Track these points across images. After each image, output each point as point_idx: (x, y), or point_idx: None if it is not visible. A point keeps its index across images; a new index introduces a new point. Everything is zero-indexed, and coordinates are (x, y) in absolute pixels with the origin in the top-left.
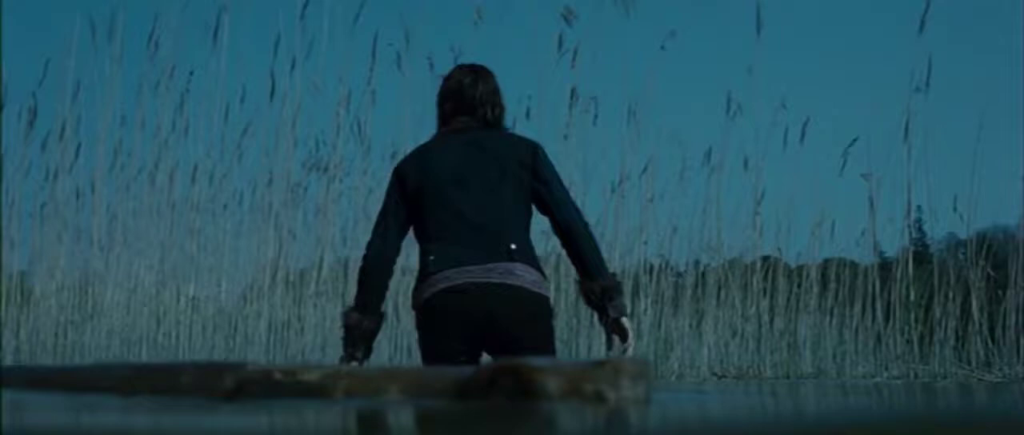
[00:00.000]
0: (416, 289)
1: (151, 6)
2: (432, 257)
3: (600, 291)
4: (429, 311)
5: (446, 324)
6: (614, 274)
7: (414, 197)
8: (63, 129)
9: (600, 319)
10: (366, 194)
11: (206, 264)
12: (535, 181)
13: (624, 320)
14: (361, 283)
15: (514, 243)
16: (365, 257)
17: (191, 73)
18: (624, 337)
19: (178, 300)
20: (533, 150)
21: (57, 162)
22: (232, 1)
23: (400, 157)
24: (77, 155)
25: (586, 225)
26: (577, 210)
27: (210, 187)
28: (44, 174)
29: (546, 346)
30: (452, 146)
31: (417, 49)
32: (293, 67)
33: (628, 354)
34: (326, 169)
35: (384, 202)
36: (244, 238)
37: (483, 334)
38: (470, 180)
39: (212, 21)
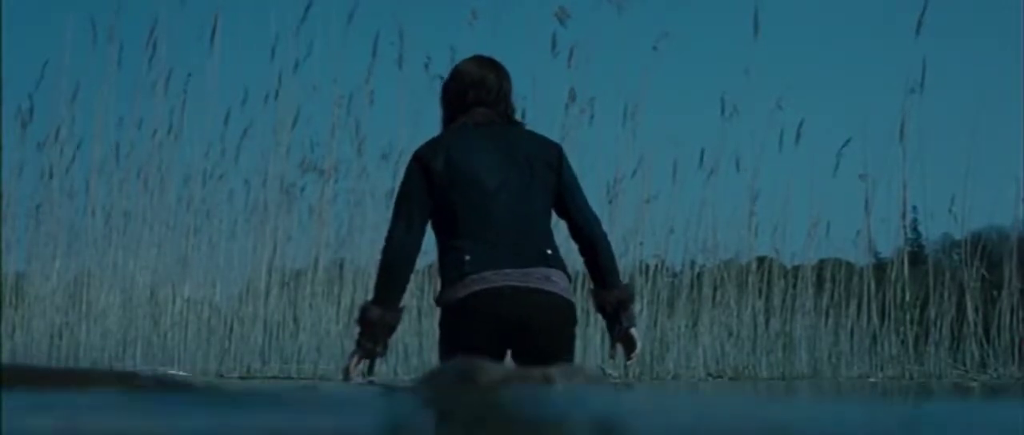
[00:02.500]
0: (446, 288)
1: (149, 7)
2: (468, 256)
3: (616, 301)
4: (462, 311)
5: (479, 326)
6: (627, 284)
7: (441, 190)
8: (58, 130)
9: (610, 328)
10: (362, 196)
11: (201, 265)
12: (559, 184)
13: (634, 331)
14: (383, 276)
15: (549, 248)
16: (388, 249)
17: (189, 75)
18: (633, 348)
19: (174, 301)
20: (558, 152)
21: (53, 163)
22: (229, 3)
23: (394, 157)
24: (74, 158)
25: (605, 234)
26: (596, 218)
27: (205, 188)
28: (40, 175)
29: (569, 352)
30: (478, 140)
31: (412, 49)
32: (295, 68)
33: (633, 363)
34: (322, 170)
35: (406, 190)
36: (239, 239)
37: (513, 338)
38: (502, 179)
39: (208, 22)
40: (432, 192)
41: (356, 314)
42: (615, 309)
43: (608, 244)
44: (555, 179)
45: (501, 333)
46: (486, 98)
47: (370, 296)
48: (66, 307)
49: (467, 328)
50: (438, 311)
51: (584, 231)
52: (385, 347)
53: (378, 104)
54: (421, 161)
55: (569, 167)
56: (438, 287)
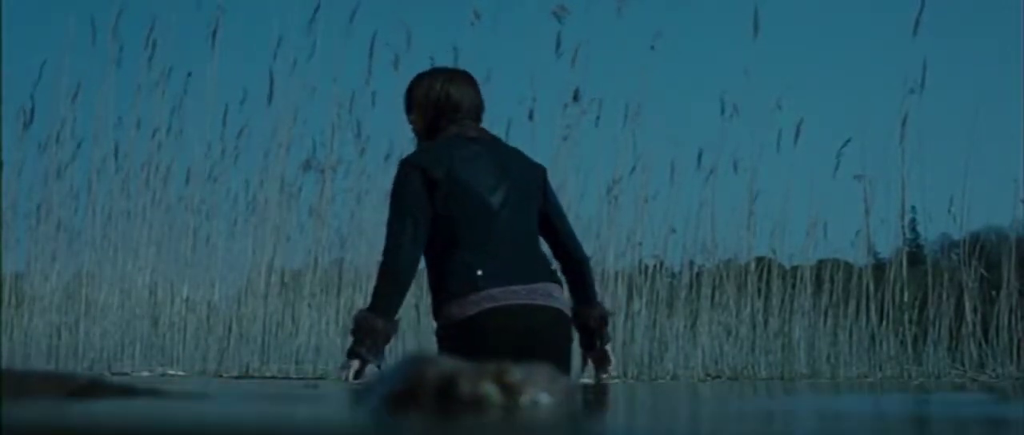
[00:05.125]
0: (449, 303)
1: (149, 7)
2: (480, 271)
3: (598, 318)
4: (470, 329)
5: (488, 345)
6: (601, 303)
7: (442, 201)
8: (59, 130)
9: (590, 344)
10: (361, 195)
11: (201, 265)
12: (545, 204)
13: (609, 348)
14: (388, 287)
15: (548, 264)
16: (394, 260)
17: (189, 74)
18: (608, 363)
19: (172, 301)
20: (544, 173)
21: (53, 163)
22: (231, 2)
23: (396, 157)
24: (74, 156)
25: (586, 256)
26: (577, 238)
27: (205, 188)
28: (41, 175)
29: (567, 365)
30: (476, 154)
31: (414, 50)
32: (294, 67)
33: (606, 378)
34: (322, 170)
35: (407, 199)
36: (239, 239)
37: (519, 354)
38: (504, 195)
39: (209, 22)
40: (433, 202)
41: (353, 323)
42: (598, 325)
43: (589, 263)
44: (542, 199)
45: (507, 350)
46: (473, 112)
47: (370, 305)
48: (65, 307)
49: (477, 348)
50: (434, 325)
51: (570, 251)
52: (382, 358)
53: (379, 104)
54: (421, 169)
55: (551, 188)
56: (431, 301)
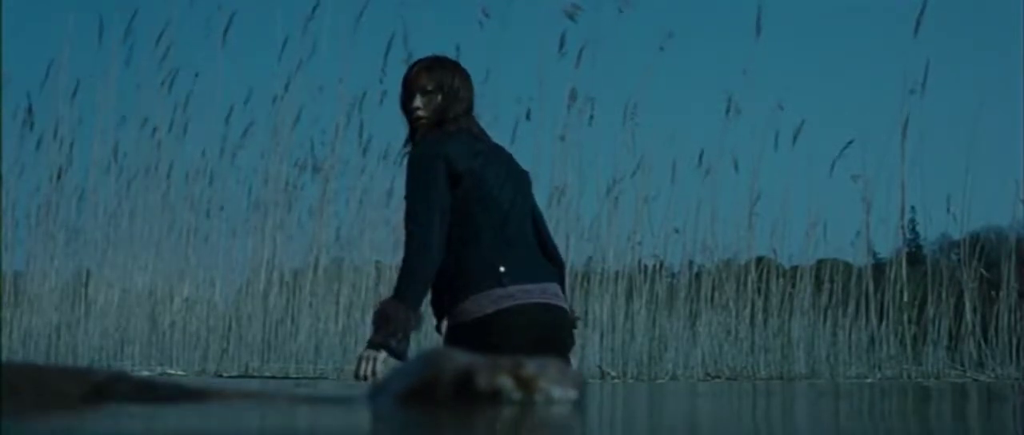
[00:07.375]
0: (467, 300)
1: (156, 6)
2: (503, 269)
3: (573, 322)
4: (487, 327)
5: (504, 343)
6: (572, 308)
7: (463, 196)
8: (57, 129)
9: None
10: (362, 195)
11: (201, 264)
12: (532, 208)
13: (571, 353)
14: (414, 277)
15: (551, 265)
16: (422, 250)
17: (197, 75)
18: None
19: (172, 300)
20: (530, 178)
21: (54, 163)
22: (235, 2)
23: (394, 157)
24: (73, 157)
25: (563, 261)
26: (555, 243)
27: (206, 188)
28: (44, 175)
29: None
30: (487, 152)
31: (419, 49)
32: (299, 67)
33: None
34: (321, 169)
35: (433, 189)
36: (239, 239)
37: (532, 354)
38: (513, 194)
39: (214, 22)
40: (452, 194)
41: (378, 313)
42: (570, 330)
43: (564, 268)
44: (531, 203)
45: (522, 349)
46: (471, 109)
47: (395, 295)
48: (65, 306)
49: (490, 345)
50: (437, 322)
51: (554, 255)
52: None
53: (385, 103)
54: (446, 160)
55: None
56: (435, 297)
